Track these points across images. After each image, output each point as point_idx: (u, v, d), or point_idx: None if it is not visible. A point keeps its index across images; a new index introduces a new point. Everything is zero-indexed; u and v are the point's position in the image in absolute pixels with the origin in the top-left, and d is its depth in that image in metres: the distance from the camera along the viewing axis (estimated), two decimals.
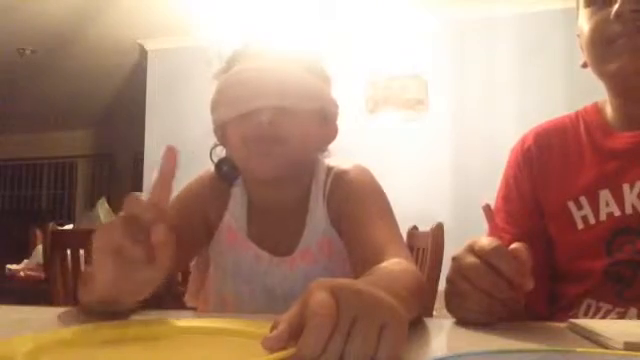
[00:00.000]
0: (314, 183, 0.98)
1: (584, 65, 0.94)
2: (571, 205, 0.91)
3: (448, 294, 0.73)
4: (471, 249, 0.70)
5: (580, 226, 0.90)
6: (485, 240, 0.70)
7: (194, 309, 1.11)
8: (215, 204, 1.00)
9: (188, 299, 1.11)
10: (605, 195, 0.89)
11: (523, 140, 1.01)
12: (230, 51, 0.97)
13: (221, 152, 1.00)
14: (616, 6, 0.85)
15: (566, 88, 3.74)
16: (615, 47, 0.87)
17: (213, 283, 1.06)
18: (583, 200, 0.90)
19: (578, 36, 0.95)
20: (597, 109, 0.98)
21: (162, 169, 0.67)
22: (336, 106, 0.97)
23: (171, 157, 0.66)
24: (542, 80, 3.94)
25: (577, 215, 0.91)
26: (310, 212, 0.96)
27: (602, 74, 0.91)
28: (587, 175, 0.92)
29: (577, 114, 1.00)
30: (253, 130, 0.89)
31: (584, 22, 0.92)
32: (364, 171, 0.99)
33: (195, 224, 0.98)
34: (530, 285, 0.68)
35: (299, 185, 0.98)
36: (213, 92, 0.94)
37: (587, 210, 0.90)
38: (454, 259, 0.72)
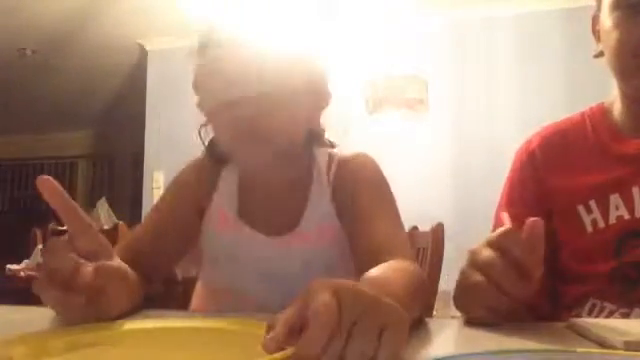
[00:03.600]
0: (315, 168, 0.96)
1: (597, 55, 0.92)
2: (581, 209, 0.91)
3: (459, 286, 0.73)
4: (487, 242, 0.69)
5: (589, 229, 0.90)
6: (499, 230, 0.69)
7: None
8: (205, 187, 0.98)
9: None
10: (615, 199, 0.88)
11: (528, 143, 1.00)
12: (205, 31, 0.92)
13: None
14: None
15: (566, 88, 3.74)
16: None
17: (206, 279, 1.05)
18: (593, 204, 0.90)
19: (595, 33, 0.93)
20: (604, 111, 0.97)
21: (52, 204, 0.67)
22: (324, 73, 0.94)
23: (45, 186, 0.66)
24: (542, 80, 3.94)
25: (587, 219, 0.90)
26: (312, 196, 0.94)
27: (626, 86, 0.90)
28: (596, 178, 0.91)
29: (582, 115, 0.98)
30: (234, 126, 0.85)
31: (610, 26, 0.88)
32: (368, 159, 0.99)
33: (187, 213, 0.97)
34: (539, 270, 0.66)
35: (295, 164, 0.96)
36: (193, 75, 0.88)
37: (597, 214, 0.89)
38: (470, 252, 0.71)
